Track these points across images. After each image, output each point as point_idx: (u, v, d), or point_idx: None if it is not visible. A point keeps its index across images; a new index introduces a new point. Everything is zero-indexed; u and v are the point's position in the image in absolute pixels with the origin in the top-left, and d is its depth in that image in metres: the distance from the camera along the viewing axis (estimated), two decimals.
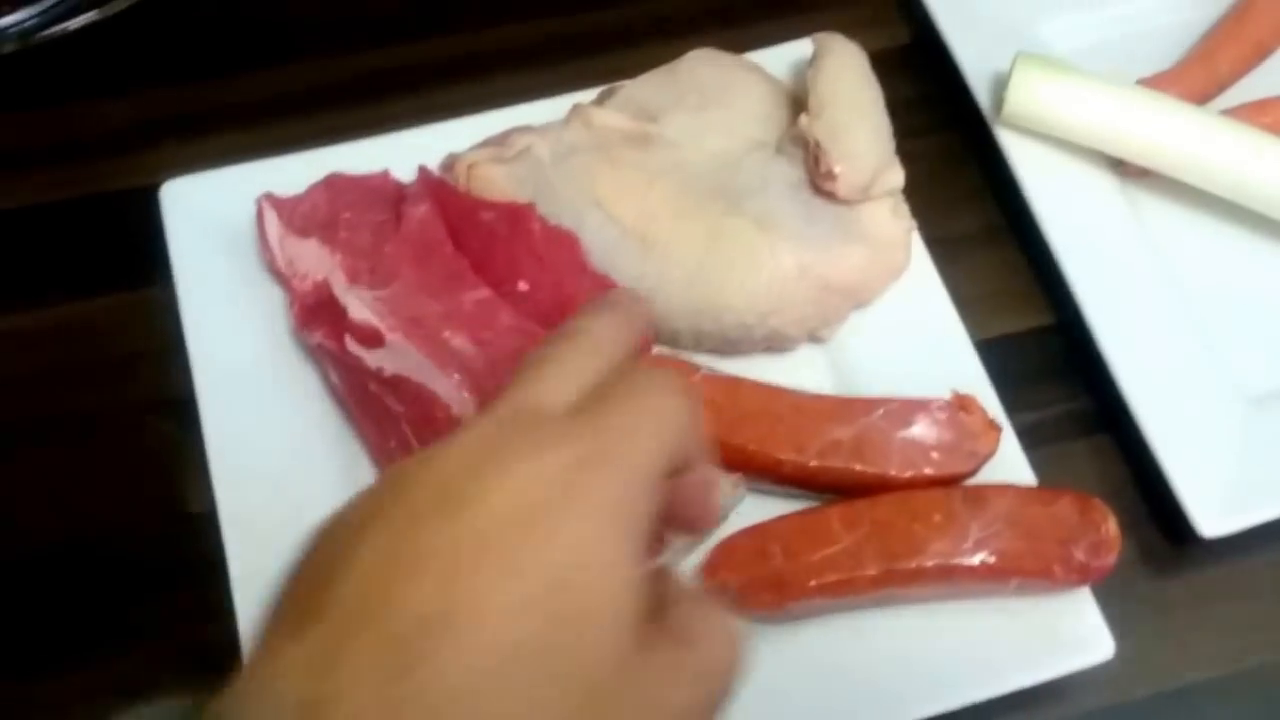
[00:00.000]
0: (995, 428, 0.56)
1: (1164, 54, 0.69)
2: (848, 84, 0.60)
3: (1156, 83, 0.66)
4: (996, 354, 0.62)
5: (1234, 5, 0.69)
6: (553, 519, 0.30)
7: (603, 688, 0.29)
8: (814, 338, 0.61)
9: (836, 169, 0.58)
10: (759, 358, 0.61)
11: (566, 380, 0.34)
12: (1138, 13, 0.71)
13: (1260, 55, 0.68)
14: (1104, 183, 0.65)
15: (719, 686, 0.32)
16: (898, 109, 0.66)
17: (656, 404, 0.34)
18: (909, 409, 0.56)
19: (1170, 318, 0.62)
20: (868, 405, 0.56)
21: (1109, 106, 0.63)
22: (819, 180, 0.58)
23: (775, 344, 0.60)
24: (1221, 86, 0.68)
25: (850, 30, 0.69)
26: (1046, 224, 0.63)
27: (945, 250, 0.64)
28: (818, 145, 0.58)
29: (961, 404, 0.56)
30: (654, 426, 0.33)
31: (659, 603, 0.32)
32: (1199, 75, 0.67)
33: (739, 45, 0.68)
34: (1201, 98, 0.67)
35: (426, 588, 0.29)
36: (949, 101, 0.69)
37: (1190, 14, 0.71)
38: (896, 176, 0.60)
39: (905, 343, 0.61)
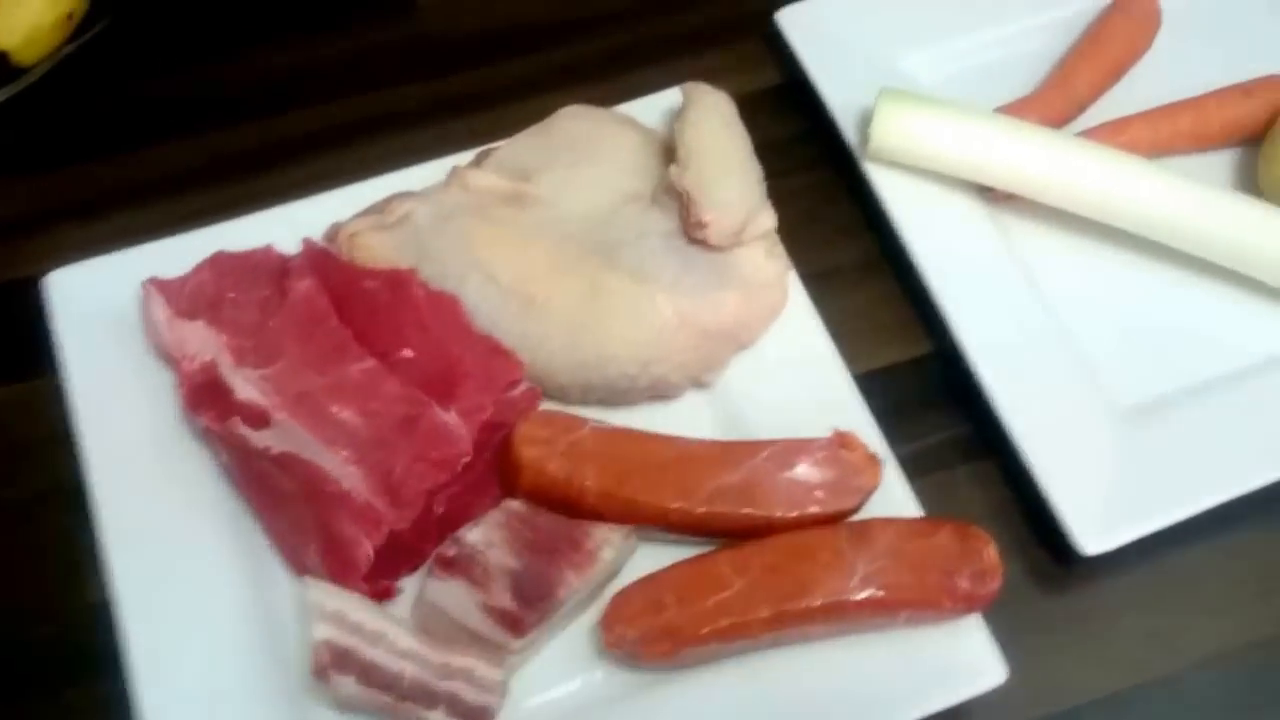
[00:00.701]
0: (876, 462, 0.57)
1: (1026, 79, 0.71)
2: (714, 133, 0.61)
3: (1017, 108, 0.68)
4: (878, 386, 0.63)
5: (1088, 29, 0.71)
6: None
7: None
8: (698, 383, 0.62)
9: (706, 218, 0.59)
10: (646, 407, 0.62)
11: None
12: (998, 40, 0.73)
13: (1115, 76, 0.70)
14: (972, 210, 0.67)
15: None
16: (771, 149, 0.67)
17: None
18: (792, 450, 0.57)
19: (1042, 339, 0.64)
20: (751, 449, 0.58)
21: (970, 136, 0.64)
22: (691, 230, 0.59)
23: (661, 392, 0.61)
24: (1080, 108, 0.70)
25: (722, 73, 0.71)
26: (918, 254, 0.64)
27: (824, 286, 0.66)
28: (687, 195, 0.60)
29: (842, 441, 0.57)
30: None
31: None
32: (1058, 99, 0.69)
33: (615, 97, 0.69)
34: (1061, 120, 0.69)
35: None
36: (821, 139, 0.70)
37: (1049, 39, 0.73)
38: (768, 220, 0.61)
39: (787, 382, 0.62)
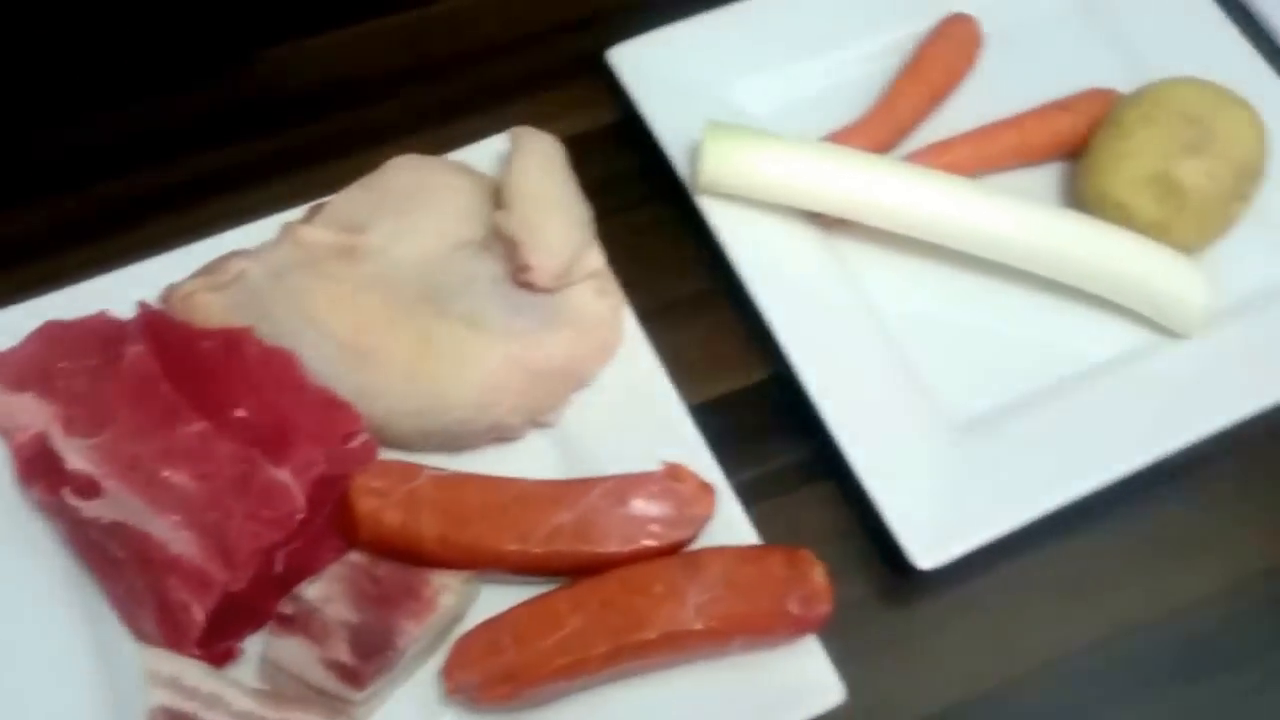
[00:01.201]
0: (709, 491, 0.58)
1: (856, 105, 0.73)
2: (538, 176, 0.62)
3: (844, 135, 0.70)
4: (719, 414, 0.65)
5: (912, 55, 0.73)
6: None
7: None
8: (538, 423, 0.62)
9: (532, 261, 0.60)
10: (489, 450, 0.63)
11: None
12: (827, 68, 0.74)
13: (939, 99, 0.72)
14: (805, 236, 0.68)
15: None
16: (608, 186, 0.69)
17: None
18: (625, 485, 0.58)
19: (876, 359, 0.65)
20: (585, 487, 0.58)
21: (795, 165, 0.66)
22: (517, 274, 0.60)
23: (500, 434, 0.62)
24: (906, 132, 0.71)
25: (558, 114, 0.72)
26: (751, 283, 0.66)
27: (664, 319, 0.67)
28: (512, 240, 0.60)
29: (673, 473, 0.58)
30: None
31: None
32: (884, 124, 0.70)
33: (451, 144, 0.70)
34: (888, 144, 0.71)
35: None
36: (657, 174, 0.71)
37: (878, 65, 0.74)
38: (595, 259, 0.62)
39: (626, 417, 0.63)
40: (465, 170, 0.67)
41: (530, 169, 0.62)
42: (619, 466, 0.61)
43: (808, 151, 0.66)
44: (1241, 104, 0.65)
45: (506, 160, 0.64)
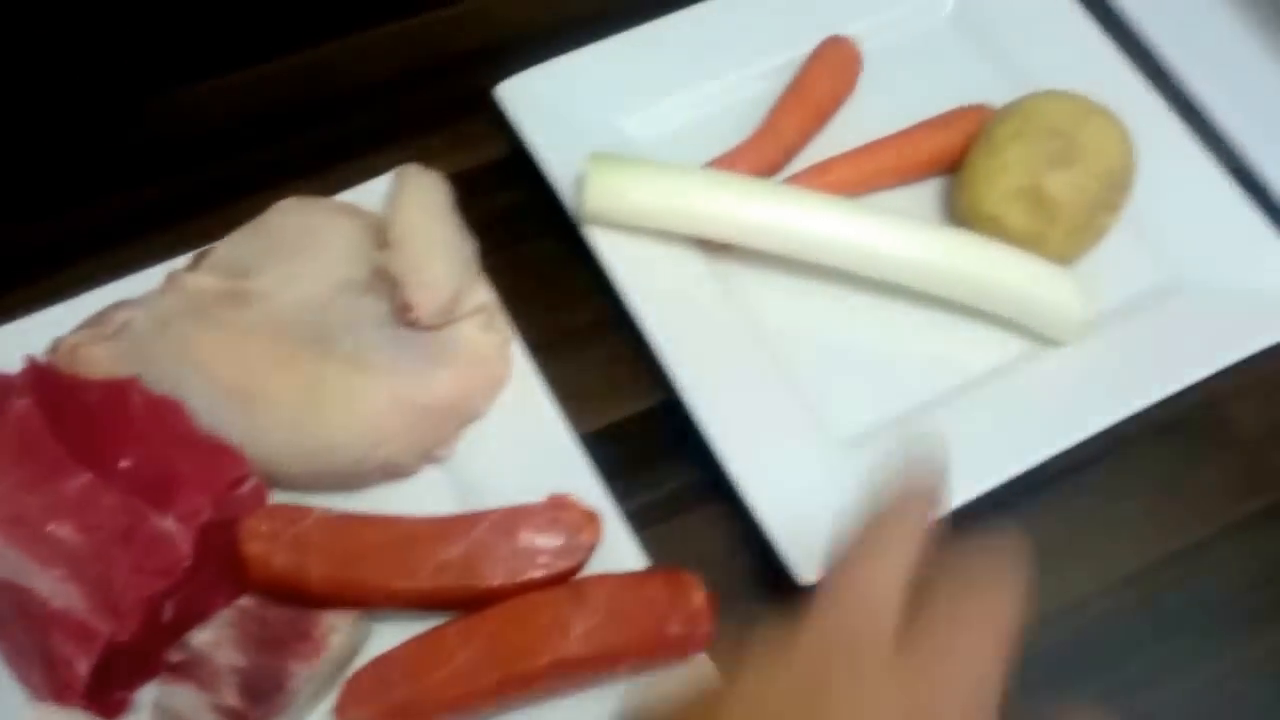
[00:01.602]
0: (594, 519, 0.59)
1: (742, 130, 0.74)
2: (420, 215, 0.63)
3: (728, 160, 0.71)
4: (612, 442, 0.65)
5: (793, 77, 0.74)
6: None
7: None
8: (430, 459, 0.63)
9: (413, 300, 0.61)
10: (382, 487, 0.64)
11: (891, 599, 0.34)
12: (713, 94, 0.75)
13: (821, 120, 0.73)
14: (691, 261, 0.69)
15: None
16: (501, 219, 0.70)
17: (992, 614, 0.35)
18: (511, 518, 0.59)
19: (762, 379, 0.66)
20: (472, 521, 0.59)
21: (677, 192, 0.67)
22: (400, 312, 0.61)
23: (393, 472, 0.62)
24: (789, 154, 0.73)
25: (450, 149, 0.73)
26: (638, 310, 0.67)
27: (556, 350, 0.68)
28: (395, 279, 0.61)
29: (558, 504, 0.59)
30: (998, 645, 0.34)
31: None
32: (767, 147, 0.72)
33: (342, 184, 0.71)
34: (772, 168, 0.72)
35: None
36: (548, 207, 0.72)
37: (761, 88, 0.75)
38: (480, 294, 0.63)
39: (517, 449, 0.64)
40: (352, 211, 0.68)
41: (411, 208, 0.63)
42: (512, 498, 0.61)
43: (689, 178, 0.67)
44: (1107, 115, 0.67)
45: (390, 199, 0.65)
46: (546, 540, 0.58)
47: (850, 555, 0.37)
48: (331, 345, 0.62)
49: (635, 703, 0.36)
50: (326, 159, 0.73)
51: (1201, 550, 0.65)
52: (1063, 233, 0.66)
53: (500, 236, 0.71)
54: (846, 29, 0.77)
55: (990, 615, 0.35)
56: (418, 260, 0.61)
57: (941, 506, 0.40)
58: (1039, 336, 0.67)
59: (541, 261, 0.72)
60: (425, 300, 0.60)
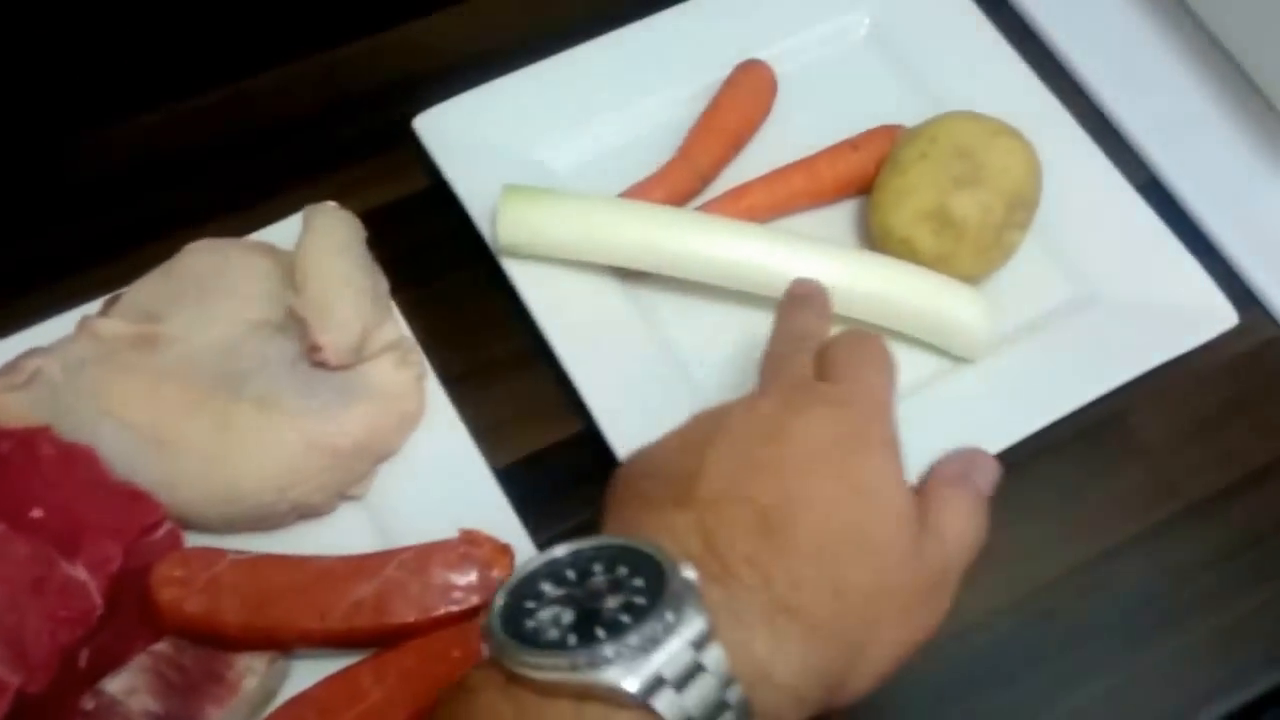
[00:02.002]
0: (506, 552, 0.60)
1: (660, 156, 0.74)
2: (327, 254, 0.63)
3: (642, 188, 0.71)
4: (530, 473, 0.66)
5: (708, 103, 0.75)
6: (851, 449, 0.44)
7: (889, 567, 0.43)
8: (346, 498, 0.63)
9: (322, 340, 0.61)
10: (299, 527, 0.64)
11: (806, 364, 0.49)
12: (628, 122, 0.75)
13: (736, 146, 0.74)
14: (608, 289, 0.70)
15: (959, 564, 0.46)
16: (420, 252, 0.70)
17: (876, 359, 0.49)
18: (423, 555, 0.59)
19: (678, 406, 0.66)
20: (385, 559, 0.59)
21: (589, 221, 0.67)
22: (309, 353, 0.61)
23: (307, 512, 0.63)
24: (705, 180, 0.73)
25: (369, 183, 0.74)
26: (555, 340, 0.67)
27: (475, 382, 0.68)
28: (303, 319, 0.61)
29: (469, 538, 0.60)
30: (885, 379, 0.48)
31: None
32: (680, 175, 0.72)
33: (259, 222, 0.71)
34: (687, 194, 0.72)
35: (769, 485, 0.42)
36: (468, 239, 0.72)
37: (678, 114, 0.75)
38: (391, 331, 0.63)
39: (433, 485, 0.64)
40: (267, 250, 0.68)
41: (318, 247, 0.63)
42: (430, 534, 0.62)
43: (601, 208, 0.68)
44: (1013, 135, 0.68)
45: (299, 239, 0.65)
46: (458, 576, 0.59)
47: (775, 344, 0.53)
48: (242, 388, 0.62)
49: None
50: (245, 197, 0.73)
51: (1107, 561, 0.66)
52: (970, 252, 0.67)
53: (421, 268, 0.72)
54: (762, 53, 0.77)
55: (879, 358, 0.49)
56: (324, 300, 0.61)
57: (826, 309, 0.56)
58: (950, 354, 0.68)
59: (462, 293, 0.72)
60: (333, 340, 0.61)
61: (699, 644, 0.39)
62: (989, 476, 0.49)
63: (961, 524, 0.46)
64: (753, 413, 0.46)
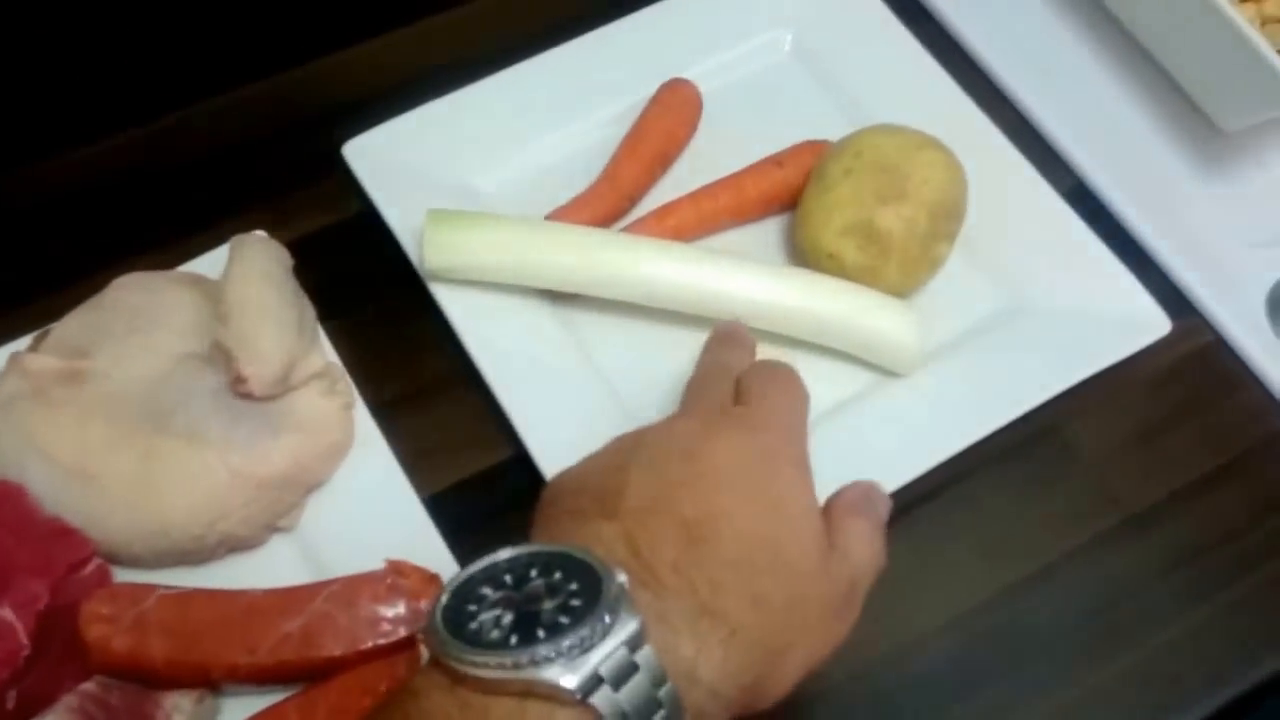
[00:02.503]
0: (434, 582, 0.59)
1: (587, 178, 0.74)
2: (250, 285, 0.63)
3: (567, 210, 0.71)
4: (460, 500, 0.66)
5: (634, 123, 0.75)
6: (764, 470, 0.47)
7: (802, 578, 0.45)
8: (275, 529, 0.63)
9: (245, 371, 0.61)
10: (230, 559, 0.64)
11: (726, 391, 0.53)
12: (555, 144, 0.76)
13: (663, 166, 0.74)
14: (537, 311, 0.70)
15: (864, 584, 0.48)
16: (351, 280, 0.71)
17: (788, 387, 0.53)
18: (351, 587, 0.59)
19: (609, 427, 0.66)
20: (313, 592, 0.59)
21: (514, 245, 0.67)
22: (233, 385, 0.61)
23: (236, 545, 0.62)
24: (633, 200, 0.73)
25: (300, 212, 0.74)
26: (484, 365, 0.67)
27: (405, 408, 0.68)
28: (228, 351, 0.61)
29: (396, 569, 0.59)
30: (797, 404, 0.53)
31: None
32: (608, 195, 0.72)
33: (189, 254, 0.70)
34: (614, 215, 0.73)
35: (690, 499, 0.45)
36: (398, 264, 0.72)
37: (605, 134, 0.76)
38: (316, 361, 0.63)
39: (363, 514, 0.64)
40: (195, 283, 0.68)
41: (242, 278, 0.63)
42: (361, 563, 0.62)
43: (525, 231, 0.68)
44: (936, 147, 0.68)
45: (224, 271, 0.65)
46: (386, 608, 0.59)
47: (698, 373, 0.57)
48: (168, 421, 0.62)
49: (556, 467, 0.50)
50: (176, 230, 0.73)
51: (1047, 576, 0.66)
52: (897, 265, 0.67)
53: (352, 296, 0.71)
54: (688, 72, 0.78)
55: (791, 386, 0.53)
56: (248, 332, 0.61)
57: (749, 344, 0.60)
58: (880, 369, 0.68)
59: (393, 319, 0.72)
60: (256, 372, 0.61)
61: (633, 644, 0.41)
62: (884, 508, 0.51)
63: (864, 548, 0.49)
64: (672, 434, 0.49)
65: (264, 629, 0.58)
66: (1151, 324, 0.70)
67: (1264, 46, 0.70)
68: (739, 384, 0.53)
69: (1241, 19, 0.70)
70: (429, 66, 0.78)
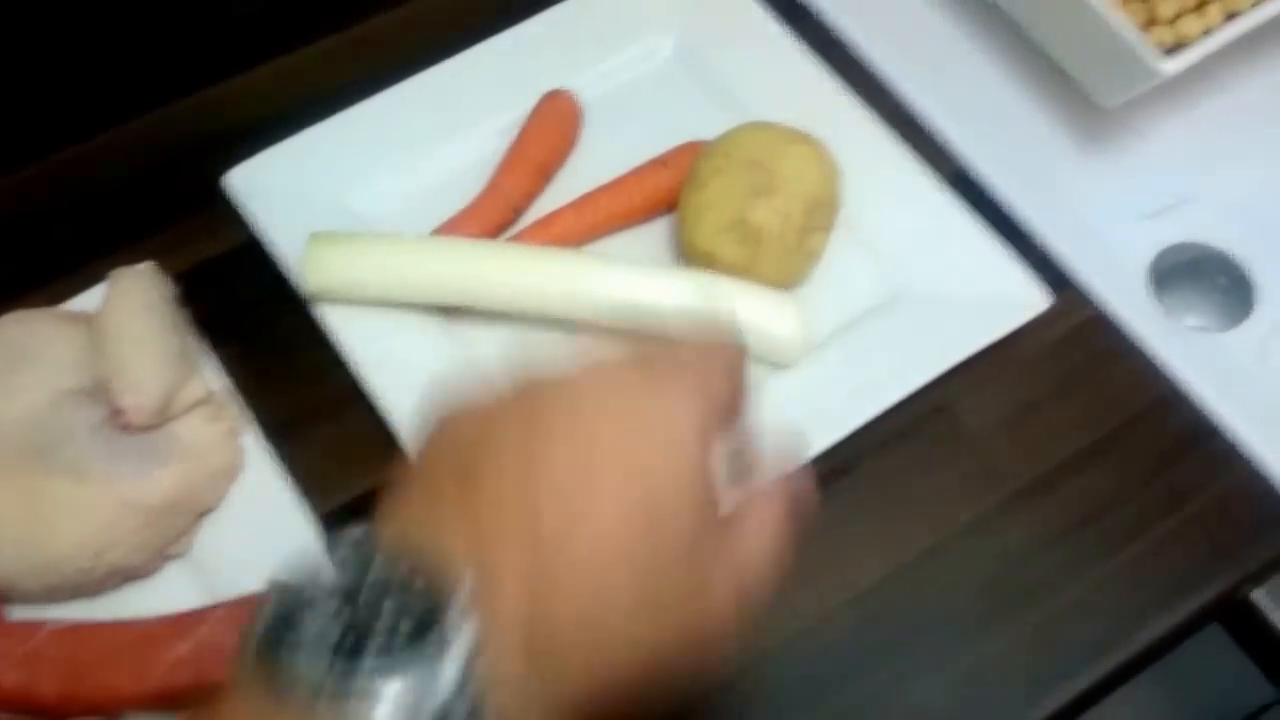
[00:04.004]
0: None
1: (473, 192, 0.75)
2: (130, 317, 0.64)
3: (452, 225, 0.72)
4: (356, 518, 0.65)
5: (516, 135, 0.75)
6: (654, 450, 0.41)
7: (669, 608, 0.40)
8: (168, 557, 0.63)
9: (124, 403, 0.61)
10: (125, 590, 0.64)
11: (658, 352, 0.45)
12: (438, 161, 0.76)
13: (545, 174, 0.75)
14: (425, 328, 0.70)
15: (753, 578, 0.43)
16: (239, 307, 0.71)
17: (719, 353, 0.46)
18: (239, 609, 0.59)
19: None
20: (201, 617, 0.59)
21: (397, 262, 0.68)
22: (113, 417, 0.61)
23: (129, 574, 0.63)
24: (518, 211, 0.74)
25: (188, 241, 0.74)
26: (372, 383, 0.67)
27: (299, 430, 0.69)
28: (106, 384, 0.62)
29: None
30: (722, 367, 0.45)
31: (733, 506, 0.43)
32: (491, 207, 0.73)
33: (81, 288, 0.71)
34: (499, 227, 0.73)
35: (559, 493, 0.40)
36: (287, 289, 0.72)
37: (489, 149, 0.76)
38: (198, 388, 0.64)
39: (256, 536, 0.64)
40: (77, 318, 0.68)
41: (120, 310, 0.64)
42: (255, 586, 0.61)
43: (405, 247, 0.69)
44: (803, 141, 0.69)
45: (103, 304, 0.65)
46: None
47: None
48: (52, 457, 0.62)
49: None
50: (61, 267, 0.73)
51: (943, 552, 0.67)
52: (774, 259, 0.68)
53: (243, 322, 0.72)
54: (572, 81, 0.78)
55: (719, 355, 0.46)
56: (126, 364, 0.62)
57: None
58: (767, 362, 0.69)
59: (284, 343, 0.73)
60: (135, 402, 0.61)
61: (460, 668, 0.38)
62: (806, 502, 0.46)
63: (764, 552, 0.44)
64: (571, 386, 0.43)
65: (154, 656, 0.59)
66: (1031, 300, 0.71)
67: (1122, 25, 0.71)
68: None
69: (1100, 1, 0.72)
70: (309, 93, 0.78)
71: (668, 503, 0.41)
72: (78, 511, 0.61)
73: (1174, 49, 0.74)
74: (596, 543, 0.40)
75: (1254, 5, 0.75)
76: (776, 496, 0.45)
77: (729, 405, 0.45)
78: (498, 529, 0.40)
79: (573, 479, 0.40)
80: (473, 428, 0.42)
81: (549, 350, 0.44)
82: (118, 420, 0.62)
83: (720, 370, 0.45)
